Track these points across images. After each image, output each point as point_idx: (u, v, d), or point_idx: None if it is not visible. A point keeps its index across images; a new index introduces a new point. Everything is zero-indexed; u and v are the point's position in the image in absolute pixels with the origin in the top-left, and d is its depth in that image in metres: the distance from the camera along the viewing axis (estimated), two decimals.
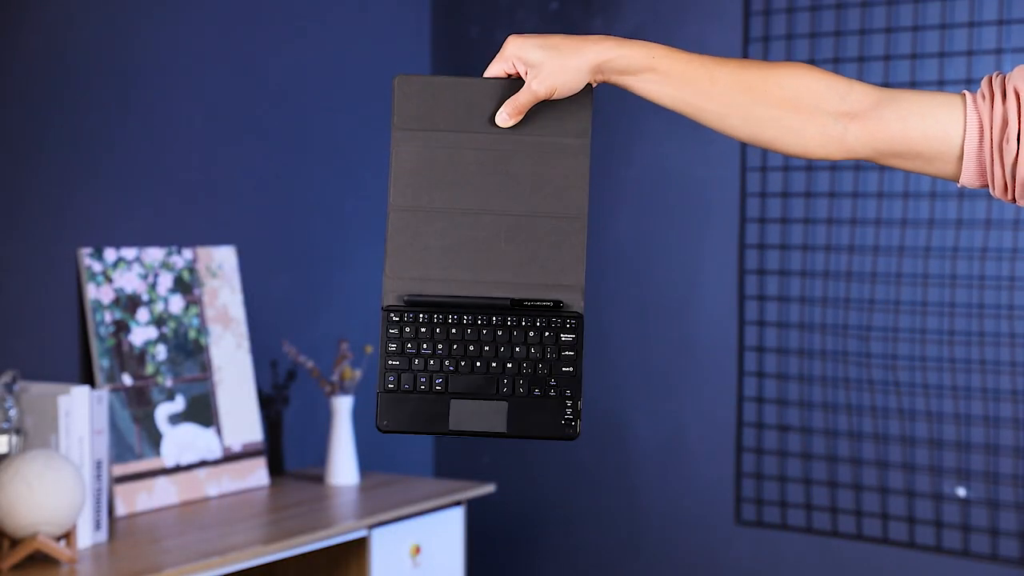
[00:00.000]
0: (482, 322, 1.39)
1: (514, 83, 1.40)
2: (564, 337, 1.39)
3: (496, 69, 1.41)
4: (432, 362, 1.39)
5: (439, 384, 1.39)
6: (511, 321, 1.39)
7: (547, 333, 1.39)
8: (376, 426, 1.40)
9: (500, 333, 1.39)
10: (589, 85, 1.41)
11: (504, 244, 1.41)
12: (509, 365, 1.39)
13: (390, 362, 1.39)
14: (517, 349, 1.39)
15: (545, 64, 1.38)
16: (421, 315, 1.39)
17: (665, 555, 3.48)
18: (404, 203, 1.41)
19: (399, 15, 3.69)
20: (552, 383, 1.39)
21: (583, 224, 1.41)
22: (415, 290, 1.40)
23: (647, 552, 3.51)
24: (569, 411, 1.39)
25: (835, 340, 3.22)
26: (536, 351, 1.39)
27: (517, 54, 1.39)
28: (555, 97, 1.39)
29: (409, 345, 1.39)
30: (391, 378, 1.39)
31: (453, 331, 1.39)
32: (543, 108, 1.41)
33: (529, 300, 1.40)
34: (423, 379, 1.39)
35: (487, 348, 1.39)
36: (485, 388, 1.39)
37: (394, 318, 1.39)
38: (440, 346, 1.39)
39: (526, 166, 1.41)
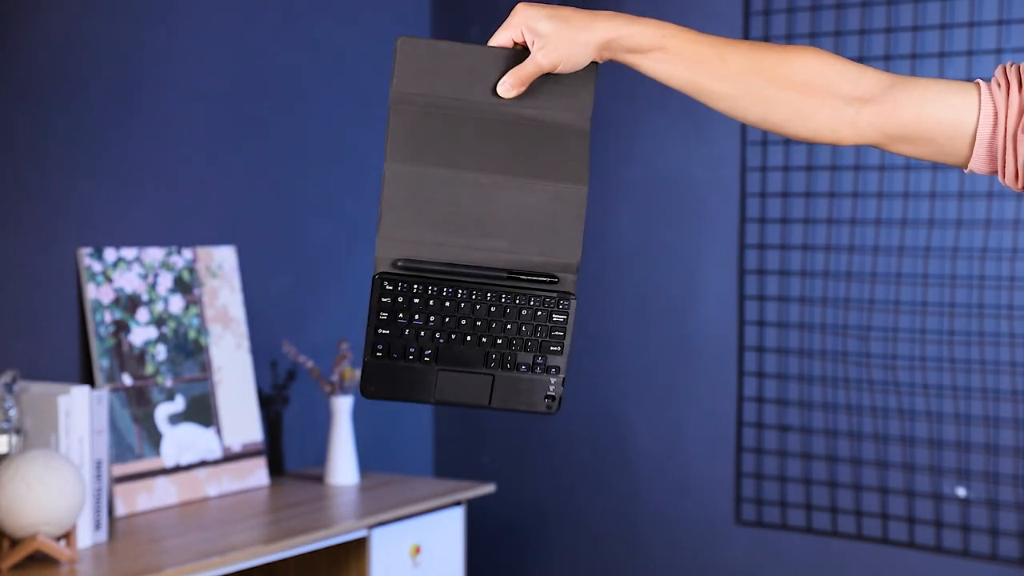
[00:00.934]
0: (475, 297, 1.37)
1: (519, 53, 1.37)
2: (556, 317, 1.37)
3: (502, 38, 1.37)
4: (422, 333, 1.36)
5: (428, 355, 1.36)
6: (504, 298, 1.37)
7: (539, 312, 1.37)
8: (360, 391, 1.37)
9: (493, 309, 1.37)
10: (594, 63, 1.38)
11: (502, 213, 1.37)
12: (499, 340, 1.37)
13: (380, 330, 1.36)
14: (508, 325, 1.37)
15: (553, 36, 1.34)
16: (415, 285, 1.36)
17: (665, 555, 3.48)
18: (401, 162, 1.37)
19: (399, 15, 3.69)
20: (539, 360, 1.37)
21: (582, 201, 1.38)
22: (409, 253, 1.36)
23: (647, 552, 3.51)
24: (552, 388, 1.37)
25: (835, 340, 3.22)
26: (527, 329, 1.37)
27: (526, 23, 1.35)
28: (559, 71, 1.36)
29: (401, 315, 1.36)
30: (380, 346, 1.36)
31: (446, 304, 1.36)
32: (546, 83, 1.38)
33: (524, 273, 1.37)
34: (412, 349, 1.36)
35: (479, 323, 1.37)
36: (473, 361, 1.37)
37: (387, 286, 1.36)
38: (432, 317, 1.36)
39: (525, 139, 1.38)
